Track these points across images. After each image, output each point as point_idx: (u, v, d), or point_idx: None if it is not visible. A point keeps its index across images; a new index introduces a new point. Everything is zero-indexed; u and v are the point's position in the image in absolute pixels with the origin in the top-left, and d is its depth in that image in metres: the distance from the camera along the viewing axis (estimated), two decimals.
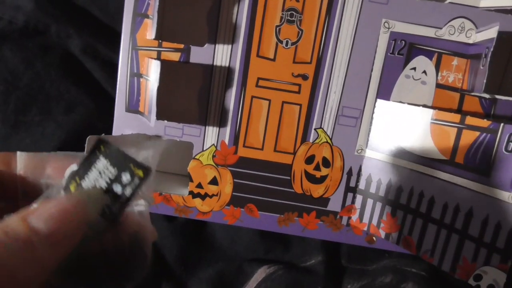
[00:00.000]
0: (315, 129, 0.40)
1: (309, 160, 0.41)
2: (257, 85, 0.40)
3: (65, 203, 0.18)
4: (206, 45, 0.39)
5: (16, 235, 0.17)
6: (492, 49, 0.34)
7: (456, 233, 0.35)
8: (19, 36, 0.45)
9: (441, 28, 0.38)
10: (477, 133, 0.34)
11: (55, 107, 0.46)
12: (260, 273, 0.46)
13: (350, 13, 0.38)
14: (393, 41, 0.39)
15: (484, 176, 0.34)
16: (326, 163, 0.41)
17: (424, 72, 0.39)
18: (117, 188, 0.19)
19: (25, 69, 0.46)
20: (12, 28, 0.45)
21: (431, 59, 0.39)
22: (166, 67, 0.37)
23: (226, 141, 0.40)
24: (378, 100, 0.39)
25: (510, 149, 0.32)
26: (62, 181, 0.20)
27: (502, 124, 0.33)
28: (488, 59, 0.34)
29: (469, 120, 0.35)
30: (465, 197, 0.34)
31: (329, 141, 0.40)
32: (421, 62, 0.39)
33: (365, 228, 0.41)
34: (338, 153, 0.41)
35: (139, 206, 0.20)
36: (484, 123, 0.34)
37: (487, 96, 0.38)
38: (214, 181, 0.41)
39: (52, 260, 0.18)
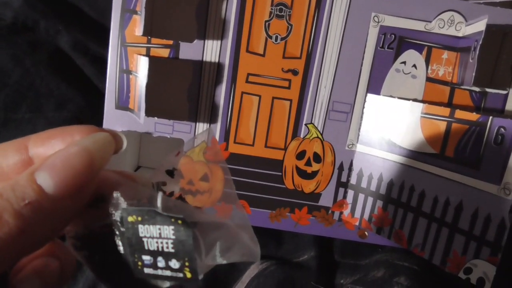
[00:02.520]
0: (305, 124, 0.40)
1: (300, 155, 0.41)
2: (247, 81, 0.39)
3: (69, 152, 0.17)
4: (195, 41, 0.38)
5: (23, 194, 0.16)
6: (480, 42, 0.34)
7: (447, 226, 0.35)
8: (8, 33, 0.45)
9: (430, 22, 0.38)
10: (467, 127, 0.34)
11: (45, 104, 0.46)
12: (253, 269, 0.46)
13: (340, 7, 0.38)
14: (383, 35, 0.39)
15: (473, 169, 0.34)
16: (317, 158, 0.41)
17: (414, 66, 0.39)
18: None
19: (14, 66, 0.45)
20: (0, 25, 0.45)
21: (421, 52, 0.39)
22: (155, 63, 0.37)
23: (217, 138, 0.40)
24: (369, 95, 0.39)
25: (499, 142, 0.32)
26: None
27: (491, 118, 0.33)
28: (477, 52, 0.34)
29: (459, 113, 0.35)
30: (455, 190, 0.35)
31: (320, 136, 0.40)
32: (411, 56, 0.39)
33: (357, 223, 0.41)
34: (329, 148, 0.41)
35: None
36: (473, 116, 0.34)
37: (477, 89, 0.38)
38: (205, 178, 0.41)
39: (63, 215, 0.17)
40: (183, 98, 0.39)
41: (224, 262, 0.19)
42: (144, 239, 0.18)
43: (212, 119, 0.40)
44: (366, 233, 0.42)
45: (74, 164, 0.17)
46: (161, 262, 0.18)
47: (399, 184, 0.38)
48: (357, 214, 0.41)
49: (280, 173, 0.41)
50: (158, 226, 0.18)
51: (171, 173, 0.23)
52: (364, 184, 0.40)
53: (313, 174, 0.41)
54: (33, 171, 0.17)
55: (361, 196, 0.41)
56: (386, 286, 0.42)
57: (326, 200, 0.42)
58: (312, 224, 0.42)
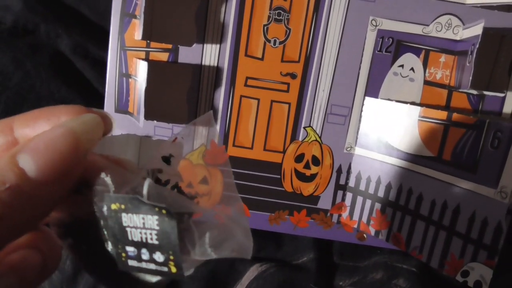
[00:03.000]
0: (304, 127, 0.40)
1: (299, 158, 0.41)
2: (245, 85, 0.40)
3: (53, 134, 0.16)
4: (194, 45, 0.39)
5: (3, 177, 0.15)
6: (478, 46, 0.34)
7: (444, 229, 0.35)
8: (8, 36, 0.45)
9: (428, 25, 0.38)
10: (464, 130, 0.34)
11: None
12: (252, 271, 0.46)
13: (338, 11, 0.38)
14: (381, 39, 0.39)
15: (470, 173, 0.34)
16: (315, 161, 0.41)
17: (412, 69, 0.39)
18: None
19: (15, 69, 0.45)
20: (1, 28, 0.45)
21: (418, 56, 0.39)
22: (154, 67, 0.37)
23: (216, 141, 0.40)
24: (367, 98, 0.40)
25: (495, 145, 0.32)
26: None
27: (487, 121, 0.33)
28: (474, 55, 0.34)
29: (456, 117, 0.35)
30: (452, 194, 0.35)
31: (318, 139, 0.40)
32: (408, 59, 0.39)
33: (355, 226, 0.41)
34: (327, 151, 0.41)
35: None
36: (471, 120, 0.34)
37: (474, 92, 0.38)
38: (204, 181, 0.41)
39: (46, 201, 0.16)
40: (182, 102, 0.39)
41: (215, 256, 0.17)
42: (128, 229, 0.17)
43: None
44: (364, 235, 0.42)
45: (59, 146, 0.16)
46: (145, 255, 0.17)
47: (397, 187, 0.38)
48: (356, 216, 0.41)
49: (279, 176, 0.41)
50: (141, 216, 0.16)
51: (167, 160, 0.21)
52: (362, 187, 0.41)
53: (312, 177, 0.41)
54: (15, 153, 0.15)
55: (359, 199, 0.41)
56: None
57: (324, 202, 0.42)
58: (311, 226, 0.42)
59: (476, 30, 0.36)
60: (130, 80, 0.39)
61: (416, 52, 0.39)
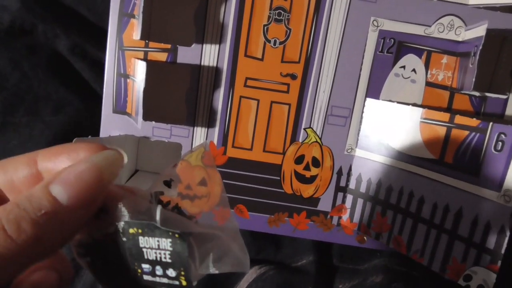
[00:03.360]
0: (304, 128, 0.40)
1: (299, 160, 0.40)
2: (245, 85, 0.39)
3: (81, 168, 0.18)
4: (193, 45, 0.38)
5: (39, 204, 0.17)
6: (480, 47, 0.34)
7: (446, 233, 0.35)
8: (5, 36, 0.45)
9: (430, 26, 0.38)
10: (466, 132, 0.34)
11: (43, 107, 0.46)
12: (251, 274, 0.45)
13: (339, 11, 0.38)
14: (382, 40, 0.38)
15: (473, 175, 0.33)
16: (315, 163, 0.40)
17: (414, 70, 0.39)
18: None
19: (12, 70, 0.45)
20: None
21: (420, 57, 0.38)
22: (152, 67, 0.36)
23: (215, 142, 0.40)
24: (368, 99, 0.39)
25: (499, 148, 0.32)
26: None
27: (491, 123, 0.33)
28: (477, 57, 0.34)
29: (458, 119, 0.35)
30: (454, 197, 0.34)
31: (318, 140, 0.40)
32: (410, 60, 0.38)
33: (356, 228, 0.41)
34: (327, 153, 0.40)
35: None
36: (473, 122, 0.34)
37: (476, 94, 0.38)
38: (203, 182, 0.41)
39: (74, 224, 0.19)
40: (181, 103, 0.39)
41: (216, 272, 0.20)
42: (144, 249, 0.19)
43: (210, 124, 0.40)
44: (364, 238, 0.41)
45: (86, 178, 0.18)
46: (159, 271, 0.19)
47: (398, 189, 0.38)
48: (356, 219, 0.41)
49: (279, 178, 0.41)
50: (157, 239, 0.19)
51: (168, 183, 0.24)
52: (363, 189, 0.40)
53: (312, 179, 0.41)
54: (47, 183, 0.18)
55: (360, 201, 0.40)
56: None
57: (324, 205, 0.41)
58: (311, 229, 0.42)
59: (479, 31, 0.35)
60: (128, 80, 0.39)
61: (418, 53, 0.38)
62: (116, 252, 0.20)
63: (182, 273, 0.19)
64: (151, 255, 0.19)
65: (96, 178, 0.18)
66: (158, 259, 0.19)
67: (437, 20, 0.38)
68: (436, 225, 0.35)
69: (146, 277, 0.20)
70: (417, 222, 0.37)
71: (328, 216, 0.42)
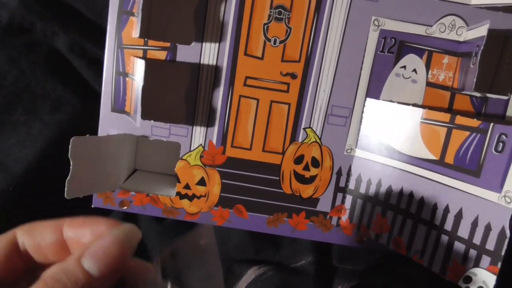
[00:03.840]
0: (304, 128, 0.40)
1: (298, 160, 0.40)
2: (245, 84, 0.39)
3: (107, 243, 0.21)
4: (193, 44, 0.38)
5: (76, 278, 0.20)
6: (482, 47, 0.34)
7: (446, 234, 0.34)
8: (4, 34, 0.45)
9: (431, 26, 0.38)
10: (467, 133, 0.34)
11: (41, 106, 0.45)
12: (250, 274, 0.45)
13: (340, 10, 0.38)
14: (383, 39, 0.38)
15: (474, 176, 0.33)
16: (315, 163, 0.40)
17: (414, 70, 0.38)
18: None
19: (10, 68, 0.45)
20: None
21: (421, 57, 0.38)
22: (151, 66, 0.36)
23: (214, 141, 0.40)
24: (368, 99, 0.39)
25: (500, 149, 0.32)
26: None
27: (492, 124, 0.32)
28: (478, 57, 0.34)
29: (459, 119, 0.34)
30: (455, 198, 0.34)
31: (318, 140, 0.40)
32: (411, 60, 0.38)
33: (355, 229, 0.41)
34: (327, 153, 0.40)
35: None
36: (474, 122, 0.33)
37: (477, 94, 0.38)
38: (202, 182, 0.41)
39: None
40: (180, 101, 0.39)
41: None
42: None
43: (209, 123, 0.39)
44: (364, 238, 0.41)
45: (112, 252, 0.21)
46: None
47: (398, 190, 0.38)
48: (356, 219, 0.41)
49: (278, 178, 0.41)
50: None
51: (174, 255, 0.26)
52: (362, 190, 0.40)
53: (311, 179, 0.41)
54: (79, 257, 0.20)
55: (359, 202, 0.40)
56: None
57: (324, 205, 0.41)
58: (310, 229, 0.42)
59: (481, 31, 0.35)
60: (127, 79, 0.39)
61: (419, 53, 0.38)
62: None
63: None
64: None
65: (120, 251, 0.21)
66: None
67: (438, 20, 0.38)
68: (436, 226, 0.35)
69: None
70: (417, 223, 0.36)
71: (328, 217, 0.41)
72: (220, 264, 0.26)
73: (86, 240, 0.23)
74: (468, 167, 0.33)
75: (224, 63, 0.38)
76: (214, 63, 0.38)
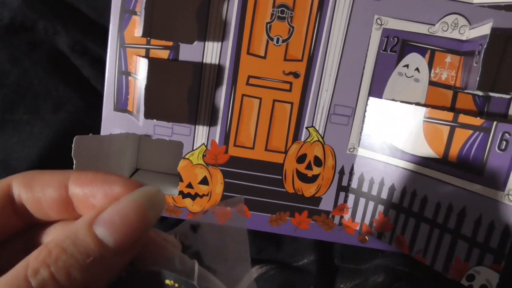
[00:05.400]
0: (306, 127, 0.40)
1: (301, 159, 0.40)
2: (247, 83, 0.39)
3: (126, 208, 0.17)
4: (195, 43, 0.38)
5: (87, 249, 0.16)
6: (485, 46, 0.34)
7: (449, 232, 0.34)
8: (5, 33, 0.44)
9: (434, 25, 0.38)
10: (470, 132, 0.34)
11: (43, 105, 0.45)
12: (252, 273, 0.45)
13: (342, 9, 0.38)
14: (386, 38, 0.38)
15: (477, 175, 0.33)
16: (318, 162, 0.40)
17: (417, 69, 0.38)
18: None
19: (12, 67, 0.45)
20: None
21: (424, 56, 0.38)
22: (154, 65, 0.36)
23: (217, 140, 0.40)
24: (371, 98, 0.39)
25: (503, 147, 0.32)
26: None
27: (495, 123, 0.32)
28: (481, 56, 0.34)
29: (462, 118, 0.34)
30: (458, 196, 0.34)
31: (321, 139, 0.40)
32: (414, 59, 0.38)
33: (358, 228, 0.41)
34: (330, 152, 0.40)
35: None
36: (477, 121, 0.33)
37: (480, 93, 0.38)
38: (204, 181, 0.41)
39: (118, 269, 0.18)
40: (183, 101, 0.39)
41: None
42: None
43: (212, 122, 0.39)
44: (366, 237, 0.41)
45: (131, 220, 0.17)
46: None
47: (400, 189, 0.38)
48: (358, 218, 0.41)
49: (280, 177, 0.41)
50: None
51: (195, 228, 0.22)
52: (365, 189, 0.40)
53: (314, 178, 0.41)
54: (90, 223, 0.17)
55: (362, 201, 0.40)
56: None
57: (326, 204, 0.41)
58: (312, 228, 0.42)
59: (483, 30, 0.35)
60: (129, 78, 0.39)
61: (422, 52, 0.38)
62: None
63: None
64: None
65: (141, 220, 0.17)
66: None
67: (441, 18, 0.38)
68: (439, 224, 0.35)
69: None
70: (420, 221, 0.36)
71: (330, 216, 0.41)
72: (249, 250, 0.22)
73: (96, 202, 0.19)
74: (471, 165, 0.34)
75: (227, 62, 0.38)
76: (217, 62, 0.38)
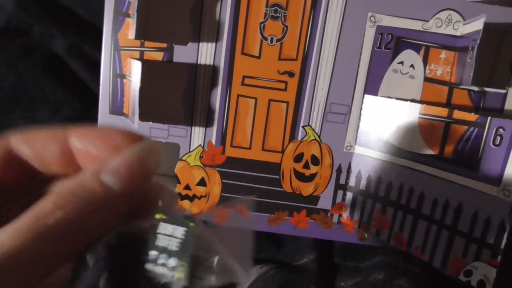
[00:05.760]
0: (303, 126, 0.40)
1: (298, 158, 0.40)
2: (242, 83, 0.39)
3: (131, 159, 0.18)
4: (189, 44, 0.38)
5: (94, 192, 0.17)
6: (478, 41, 0.34)
7: (446, 229, 0.34)
8: (1, 37, 0.45)
9: (428, 21, 0.38)
10: (465, 127, 0.34)
11: (39, 109, 0.45)
12: (253, 273, 0.45)
13: (336, 7, 0.38)
14: (380, 35, 0.38)
15: (472, 170, 0.33)
16: (315, 161, 0.40)
17: (412, 66, 0.38)
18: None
19: (8, 70, 0.45)
20: None
21: (418, 52, 0.38)
22: (148, 67, 0.36)
23: (213, 141, 0.40)
24: (366, 96, 0.39)
25: (497, 143, 0.32)
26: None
27: (489, 118, 0.32)
28: (475, 51, 0.34)
29: (457, 114, 0.34)
30: (454, 192, 0.34)
31: (317, 138, 0.40)
32: (408, 55, 0.38)
33: (356, 225, 0.41)
34: (327, 151, 0.40)
35: None
36: (472, 117, 0.33)
37: (475, 89, 0.38)
38: (202, 182, 0.41)
39: (120, 215, 0.19)
40: (178, 102, 0.39)
41: (213, 281, 0.20)
42: (159, 235, 0.19)
43: (208, 123, 0.39)
44: (365, 235, 0.41)
45: (135, 170, 0.18)
46: (161, 259, 0.19)
47: (398, 186, 0.38)
48: (356, 216, 0.41)
49: (278, 176, 0.41)
50: (175, 226, 0.19)
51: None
52: (362, 186, 0.40)
53: (311, 177, 0.41)
54: (97, 171, 0.18)
55: (360, 199, 0.40)
56: None
57: (324, 202, 0.41)
58: (311, 227, 0.42)
59: (477, 25, 0.35)
60: (124, 80, 0.39)
61: (416, 48, 0.38)
62: (135, 248, 0.20)
63: (182, 263, 0.19)
64: (162, 241, 0.19)
65: (144, 169, 0.18)
66: (166, 246, 0.19)
67: (435, 15, 0.37)
68: (436, 221, 0.35)
69: (147, 267, 0.20)
70: (418, 218, 0.36)
71: (329, 214, 0.41)
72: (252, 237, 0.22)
73: (98, 154, 0.19)
74: (467, 161, 0.33)
75: (221, 63, 0.38)
76: (211, 63, 0.38)
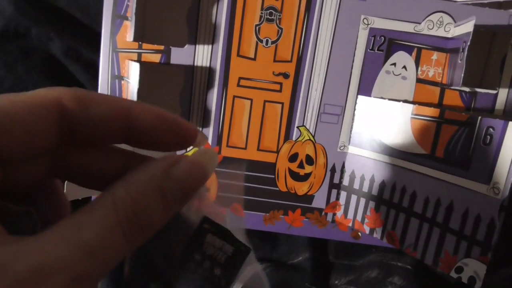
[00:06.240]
0: (297, 127, 0.40)
1: (293, 158, 0.41)
2: (238, 85, 0.40)
3: (195, 174, 0.18)
4: (186, 46, 0.39)
5: (154, 213, 0.17)
6: (469, 43, 0.34)
7: (438, 226, 0.35)
8: None
9: (420, 23, 0.39)
10: (456, 127, 0.35)
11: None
12: (248, 272, 0.46)
13: (329, 10, 0.38)
14: (373, 37, 0.39)
15: (463, 169, 0.34)
16: (309, 160, 0.41)
17: (404, 67, 0.39)
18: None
19: (7, 73, 0.45)
20: None
21: (410, 54, 0.39)
22: (146, 69, 0.37)
23: (209, 142, 0.40)
24: (359, 97, 0.40)
25: (487, 142, 0.32)
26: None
27: (479, 118, 0.33)
28: (465, 53, 0.34)
29: (448, 114, 0.35)
30: (445, 190, 0.35)
31: (311, 138, 0.41)
32: (401, 57, 0.39)
33: (350, 224, 0.41)
34: (321, 150, 0.41)
35: None
36: (463, 117, 0.34)
37: (467, 89, 0.38)
38: None
39: (175, 212, 0.19)
40: (175, 103, 0.39)
41: None
42: (206, 244, 0.21)
43: (204, 124, 0.40)
44: (359, 234, 0.42)
45: (196, 185, 0.19)
46: (206, 264, 0.20)
47: (390, 185, 0.38)
48: (350, 215, 0.41)
49: (273, 176, 0.41)
50: (224, 242, 0.20)
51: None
52: (356, 186, 0.41)
53: (306, 176, 0.41)
54: (160, 183, 0.18)
55: (353, 198, 0.41)
56: (380, 286, 0.42)
57: (319, 202, 0.42)
58: (306, 226, 0.42)
59: (467, 27, 0.36)
60: (122, 82, 0.39)
61: (408, 50, 0.39)
62: (175, 235, 0.21)
63: (226, 276, 0.20)
64: (209, 250, 0.20)
65: (203, 181, 0.19)
66: (213, 256, 0.20)
67: (426, 17, 0.38)
68: (428, 219, 0.36)
69: (189, 264, 0.21)
70: (410, 216, 0.37)
71: (323, 213, 0.42)
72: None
73: (166, 143, 0.19)
74: (458, 160, 0.34)
75: (218, 65, 0.39)
76: (208, 64, 0.39)
